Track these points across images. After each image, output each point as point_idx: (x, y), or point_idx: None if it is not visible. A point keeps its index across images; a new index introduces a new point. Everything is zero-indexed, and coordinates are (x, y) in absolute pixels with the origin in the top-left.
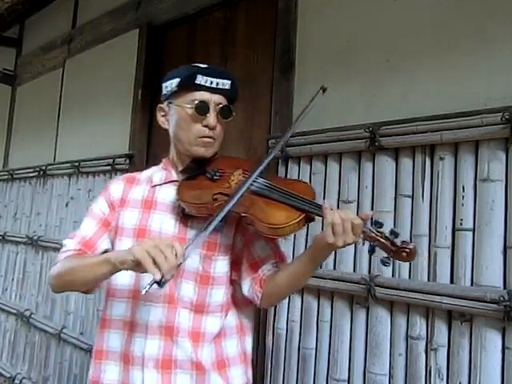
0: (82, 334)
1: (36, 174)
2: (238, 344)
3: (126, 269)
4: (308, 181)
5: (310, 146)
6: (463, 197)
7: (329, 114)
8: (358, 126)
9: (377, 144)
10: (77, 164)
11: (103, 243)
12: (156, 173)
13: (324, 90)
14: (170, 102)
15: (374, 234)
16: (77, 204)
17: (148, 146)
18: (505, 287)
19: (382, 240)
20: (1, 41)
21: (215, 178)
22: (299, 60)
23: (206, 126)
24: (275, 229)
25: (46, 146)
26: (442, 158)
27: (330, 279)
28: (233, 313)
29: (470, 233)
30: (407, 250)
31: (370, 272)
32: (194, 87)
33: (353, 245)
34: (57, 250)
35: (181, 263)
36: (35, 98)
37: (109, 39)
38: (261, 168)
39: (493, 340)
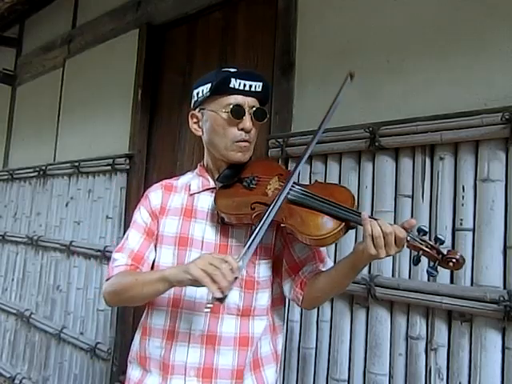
0: (82, 333)
1: (36, 173)
2: (270, 343)
3: (183, 285)
4: (308, 181)
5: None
6: (463, 197)
7: None
8: (357, 126)
9: (377, 144)
10: (77, 164)
11: (151, 254)
12: (193, 180)
13: (352, 76)
14: (203, 108)
15: (418, 244)
16: (77, 204)
17: (148, 146)
18: (505, 287)
19: (426, 249)
20: (1, 41)
21: (252, 186)
22: (299, 60)
23: (241, 130)
24: (316, 239)
25: (46, 145)
26: (442, 158)
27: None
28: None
29: (470, 233)
30: (454, 260)
31: (370, 272)
32: (227, 91)
33: (353, 244)
34: (57, 249)
35: (237, 277)
36: (35, 98)
37: (109, 39)
38: (294, 175)
39: (493, 340)
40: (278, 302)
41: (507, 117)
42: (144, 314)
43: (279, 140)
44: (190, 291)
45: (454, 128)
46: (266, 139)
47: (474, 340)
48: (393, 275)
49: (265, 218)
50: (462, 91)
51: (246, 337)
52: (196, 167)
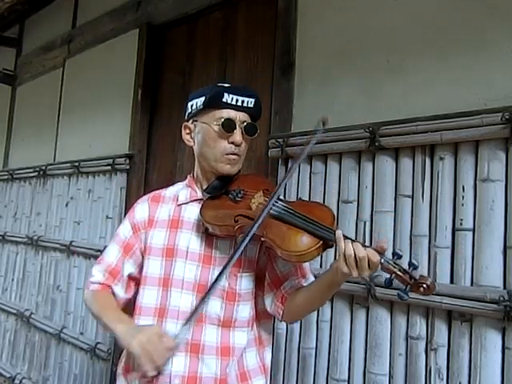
0: (82, 333)
1: (36, 173)
2: (257, 356)
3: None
4: (308, 181)
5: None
6: (463, 197)
7: (329, 114)
8: (357, 126)
9: (377, 144)
10: (77, 164)
11: (127, 267)
12: (181, 190)
13: (324, 122)
14: (196, 120)
15: (391, 267)
16: (77, 204)
17: (148, 146)
18: (505, 287)
19: (399, 273)
20: (1, 41)
21: (237, 199)
22: (299, 60)
23: (231, 143)
24: (293, 255)
25: (46, 145)
26: (442, 158)
27: None
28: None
29: (470, 233)
30: (424, 286)
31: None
32: (220, 105)
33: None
34: (57, 249)
35: (174, 353)
36: (35, 98)
37: (109, 39)
38: (279, 191)
39: (493, 340)
40: (265, 315)
41: (507, 117)
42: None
43: (279, 140)
44: (174, 302)
45: (453, 128)
46: (266, 139)
47: (474, 340)
48: None
49: (245, 237)
50: (462, 91)
51: (227, 347)
52: (186, 177)
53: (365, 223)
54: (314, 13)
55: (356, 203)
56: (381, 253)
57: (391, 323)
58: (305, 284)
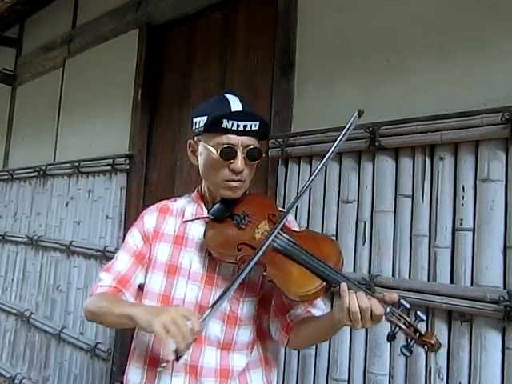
0: (82, 334)
1: (36, 173)
2: (264, 377)
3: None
4: (308, 180)
5: (310, 146)
6: (463, 197)
7: (329, 114)
8: (357, 126)
9: (377, 144)
10: (77, 164)
11: (137, 277)
12: (188, 205)
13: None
14: (199, 140)
15: (396, 319)
16: (77, 204)
17: (148, 146)
18: (505, 287)
19: (403, 327)
20: (1, 41)
21: (241, 225)
22: (299, 60)
23: (231, 170)
24: (294, 295)
25: (46, 145)
26: (442, 158)
27: None
28: (257, 346)
29: (470, 233)
30: (428, 345)
31: (370, 272)
32: (221, 131)
33: (353, 243)
34: (57, 249)
35: (196, 338)
36: (35, 98)
37: (109, 39)
38: (283, 221)
39: (493, 340)
40: (272, 336)
41: (507, 117)
42: (134, 335)
43: (279, 140)
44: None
45: (453, 128)
46: (265, 139)
47: (474, 340)
48: (393, 275)
49: (247, 264)
50: (462, 91)
51: (226, 369)
52: (194, 190)
53: (365, 223)
54: (314, 13)
55: (356, 203)
56: (388, 302)
57: (391, 323)
58: (313, 311)
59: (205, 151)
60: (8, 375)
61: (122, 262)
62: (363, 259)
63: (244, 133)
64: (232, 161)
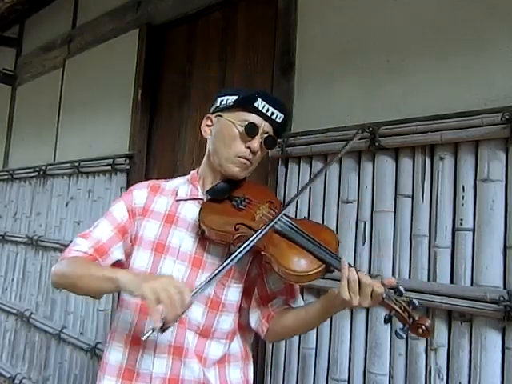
0: (82, 333)
1: (36, 173)
2: (241, 371)
3: (129, 295)
4: (308, 180)
5: (310, 146)
6: (463, 197)
7: (329, 114)
8: (358, 126)
9: (377, 144)
10: (77, 164)
11: (116, 252)
12: (182, 185)
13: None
14: (221, 116)
15: (392, 303)
16: (77, 204)
17: (148, 146)
18: (505, 287)
19: (399, 311)
20: (1, 41)
21: (241, 207)
22: (299, 60)
23: (248, 148)
24: (292, 275)
25: (46, 145)
26: (442, 158)
27: (329, 279)
28: (238, 339)
29: (470, 233)
30: (423, 328)
31: (370, 272)
32: (250, 108)
33: (353, 243)
34: (57, 249)
35: (184, 311)
36: (35, 98)
37: (109, 39)
38: (288, 206)
39: (493, 340)
40: (250, 329)
41: (507, 117)
42: (114, 316)
43: (279, 140)
44: None
45: (454, 128)
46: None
47: (474, 340)
48: (393, 275)
49: (248, 242)
50: (462, 91)
51: (200, 356)
52: (189, 172)
53: (365, 223)
54: (314, 13)
55: (356, 203)
56: (386, 286)
57: (391, 323)
58: (292, 305)
59: (226, 125)
60: (8, 375)
61: (104, 231)
62: (363, 259)
63: (269, 119)
64: (251, 139)
